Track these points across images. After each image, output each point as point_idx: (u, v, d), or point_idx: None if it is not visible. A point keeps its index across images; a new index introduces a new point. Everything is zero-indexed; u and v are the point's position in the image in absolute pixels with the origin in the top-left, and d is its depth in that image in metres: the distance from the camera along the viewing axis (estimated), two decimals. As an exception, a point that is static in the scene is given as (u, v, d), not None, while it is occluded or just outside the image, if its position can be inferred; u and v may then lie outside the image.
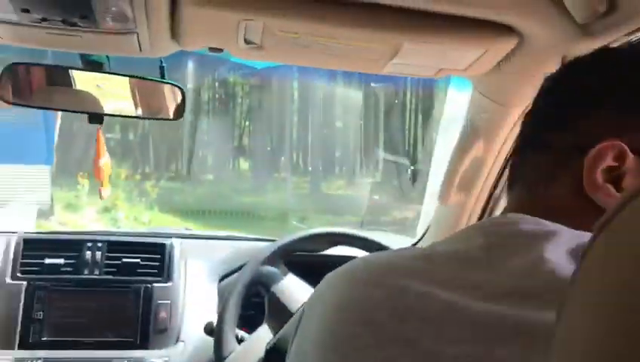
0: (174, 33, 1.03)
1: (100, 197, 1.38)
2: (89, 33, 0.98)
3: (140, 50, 1.07)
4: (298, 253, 1.48)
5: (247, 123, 17.51)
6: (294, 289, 1.41)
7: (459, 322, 0.47)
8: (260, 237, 1.85)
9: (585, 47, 0.88)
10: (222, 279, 1.62)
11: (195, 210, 11.86)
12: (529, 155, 0.63)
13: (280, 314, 1.36)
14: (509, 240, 0.53)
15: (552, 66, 1.04)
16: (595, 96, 0.59)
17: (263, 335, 1.35)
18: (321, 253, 1.56)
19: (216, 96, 17.27)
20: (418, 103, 16.56)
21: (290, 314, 1.35)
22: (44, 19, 0.93)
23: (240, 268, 1.59)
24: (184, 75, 12.82)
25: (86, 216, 11.25)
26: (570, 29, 0.89)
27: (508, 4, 0.90)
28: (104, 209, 11.91)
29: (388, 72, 1.13)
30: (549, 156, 0.60)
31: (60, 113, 11.16)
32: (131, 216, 11.40)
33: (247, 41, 1.03)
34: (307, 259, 1.51)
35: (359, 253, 1.57)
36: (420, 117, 16.17)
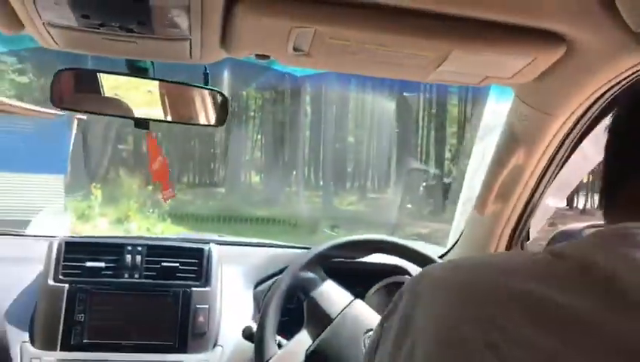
0: (224, 40, 1.04)
1: (164, 199, 1.39)
2: (144, 39, 1.00)
3: (190, 56, 1.09)
4: (336, 259, 1.48)
5: (259, 136, 17.62)
6: (333, 295, 1.41)
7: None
8: (294, 244, 1.85)
9: (639, 56, 0.88)
10: (257, 285, 1.63)
11: (208, 221, 11.91)
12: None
13: (319, 319, 1.36)
14: None
15: (603, 76, 1.05)
16: None
17: (303, 340, 1.35)
18: (359, 260, 1.56)
19: (231, 109, 17.44)
20: (438, 115, 16.62)
21: (330, 320, 1.35)
22: (102, 25, 0.95)
23: (275, 274, 1.60)
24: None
25: (99, 226, 11.33)
26: (623, 37, 0.89)
27: (558, 12, 0.90)
28: (117, 220, 11.99)
29: (432, 80, 1.14)
30: None
31: (75, 124, 11.33)
32: (144, 228, 11.46)
33: (295, 49, 1.04)
34: (345, 266, 1.51)
35: (397, 261, 1.57)
36: (439, 129, 16.22)
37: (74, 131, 11.47)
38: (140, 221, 11.72)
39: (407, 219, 11.78)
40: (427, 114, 16.73)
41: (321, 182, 16.55)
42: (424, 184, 13.79)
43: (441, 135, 16.53)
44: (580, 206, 14.77)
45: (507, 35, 0.96)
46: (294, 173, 16.31)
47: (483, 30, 0.95)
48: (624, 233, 0.54)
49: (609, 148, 0.68)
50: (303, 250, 1.66)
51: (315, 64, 1.15)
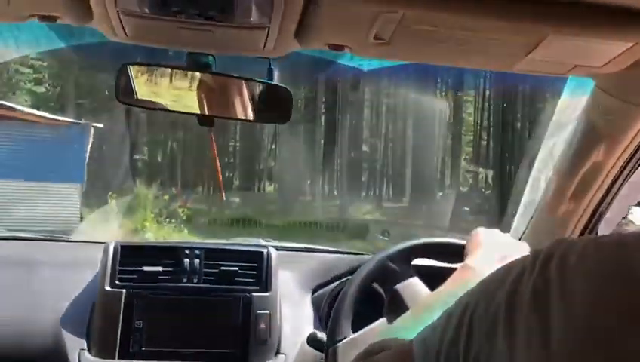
0: (299, 30, 1.00)
1: (222, 197, 1.35)
2: (221, 28, 0.96)
3: (264, 47, 1.05)
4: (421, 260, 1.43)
5: (273, 146, 17.64)
6: (419, 292, 1.36)
7: None
8: (349, 251, 1.80)
9: None
10: (314, 291, 1.58)
11: (227, 228, 11.88)
12: None
13: (401, 313, 1.31)
14: None
15: None
16: None
17: (382, 329, 1.30)
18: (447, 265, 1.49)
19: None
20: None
21: None
22: (180, 12, 0.91)
23: (335, 279, 1.54)
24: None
25: (114, 236, 11.35)
26: None
27: None
28: (133, 230, 12.01)
29: (518, 70, 1.08)
30: None
31: (91, 132, 11.41)
32: (160, 237, 11.47)
33: (376, 37, 0.99)
34: (431, 268, 1.46)
35: None
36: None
37: (90, 140, 11.53)
38: (156, 231, 11.73)
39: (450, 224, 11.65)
40: (444, 122, 16.68)
41: (336, 191, 16.52)
42: (465, 190, 13.69)
43: (475, 141, 16.44)
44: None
45: (607, 18, 0.91)
46: (309, 181, 16.29)
47: (581, 13, 0.90)
48: None
49: None
50: (358, 256, 1.60)
51: (394, 54, 1.10)
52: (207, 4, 0.89)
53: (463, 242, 1.45)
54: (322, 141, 16.54)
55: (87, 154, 11.66)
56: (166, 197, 13.68)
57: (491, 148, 16.17)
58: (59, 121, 10.98)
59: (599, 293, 0.47)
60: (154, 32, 1.00)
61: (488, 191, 13.51)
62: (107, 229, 11.40)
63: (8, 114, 10.26)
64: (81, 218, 11.15)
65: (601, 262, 0.49)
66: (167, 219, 12.26)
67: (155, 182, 14.38)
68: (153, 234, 11.44)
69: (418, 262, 1.42)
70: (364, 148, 16.72)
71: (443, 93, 14.53)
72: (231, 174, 17.31)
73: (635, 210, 1.45)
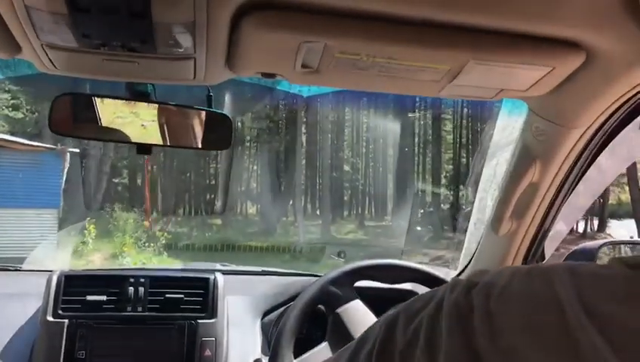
0: (229, 59, 1.01)
1: (149, 227, 1.35)
2: (146, 59, 0.96)
3: (194, 77, 1.05)
4: (363, 282, 1.44)
5: (254, 167, 17.61)
6: (361, 315, 1.36)
7: None
8: (301, 272, 1.79)
9: None
10: (264, 315, 1.57)
11: (206, 252, 11.81)
12: None
13: (343, 337, 1.31)
14: None
15: (624, 84, 1.01)
16: None
17: (323, 353, 1.29)
18: (389, 286, 1.49)
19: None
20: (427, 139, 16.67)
21: (351, 339, 1.30)
22: (103, 45, 0.91)
23: (284, 303, 1.54)
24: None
25: (93, 262, 11.20)
26: None
27: (577, 19, 0.87)
28: (112, 255, 11.88)
29: (446, 95, 1.10)
30: None
31: (67, 157, 11.31)
32: (139, 262, 11.35)
33: (304, 65, 1.01)
34: (374, 290, 1.46)
35: (412, 286, 1.53)
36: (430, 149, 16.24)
37: (66, 165, 11.44)
38: (135, 255, 11.62)
39: (407, 246, 11.73)
40: (423, 140, 16.83)
41: (318, 211, 16.50)
42: (422, 211, 13.78)
43: (436, 162, 16.62)
44: (580, 229, 14.76)
45: (524, 44, 0.93)
46: (291, 202, 16.26)
47: (499, 40, 0.92)
48: None
49: None
50: (311, 278, 1.60)
51: (324, 81, 1.11)
52: (127, 36, 0.89)
53: (404, 263, 1.46)
54: (303, 162, 16.57)
55: (64, 179, 11.57)
56: (146, 222, 13.59)
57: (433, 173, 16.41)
58: (34, 146, 10.88)
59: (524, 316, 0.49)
60: (81, 64, 1.00)
61: (433, 217, 13.63)
62: (83, 255, 11.28)
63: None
64: (58, 244, 11.02)
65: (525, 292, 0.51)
66: (147, 244, 12.16)
67: (134, 207, 14.29)
68: (132, 259, 11.33)
69: (361, 284, 1.43)
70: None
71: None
72: (212, 196, 17.24)
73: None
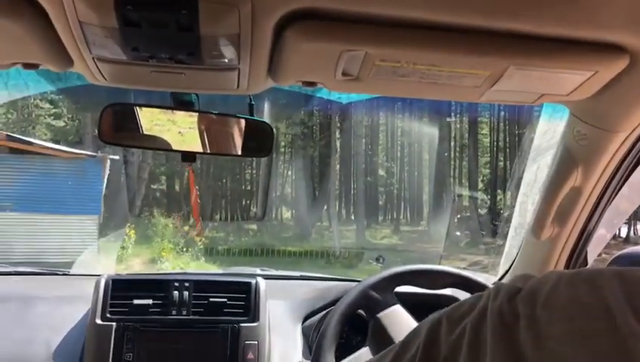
0: (271, 69, 1.03)
1: (198, 234, 1.39)
2: (192, 70, 1.00)
3: (238, 87, 1.08)
4: (405, 288, 1.45)
5: (289, 172, 17.71)
6: (401, 320, 1.37)
7: None
8: (340, 277, 1.81)
9: None
10: (304, 320, 1.59)
11: (242, 256, 11.91)
12: None
13: (384, 342, 1.31)
14: None
15: (668, 87, 1.00)
16: None
17: (364, 357, 1.30)
18: (429, 291, 1.50)
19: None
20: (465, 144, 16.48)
21: (392, 344, 1.30)
22: (151, 57, 0.95)
23: (325, 307, 1.55)
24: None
25: (132, 267, 11.42)
26: None
27: (619, 22, 0.87)
28: (150, 260, 12.09)
29: (487, 100, 1.10)
30: None
31: (107, 164, 11.57)
32: (177, 267, 11.51)
33: (344, 73, 1.02)
34: (414, 295, 1.46)
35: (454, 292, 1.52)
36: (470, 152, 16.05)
37: (106, 172, 11.71)
38: (173, 260, 11.80)
39: (445, 251, 11.62)
40: (459, 144, 16.64)
41: (353, 216, 16.47)
42: (459, 216, 13.63)
43: (473, 166, 16.40)
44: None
45: (566, 49, 0.92)
46: (325, 207, 16.28)
47: (540, 45, 0.92)
48: None
49: None
50: (350, 283, 1.61)
51: (364, 89, 1.13)
52: (175, 49, 0.93)
53: (444, 268, 1.46)
54: (337, 166, 16.58)
55: (104, 186, 11.84)
56: (185, 227, 13.80)
57: (470, 178, 16.14)
58: (75, 153, 11.18)
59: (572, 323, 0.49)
60: (130, 75, 1.04)
61: (470, 222, 13.41)
62: (123, 260, 11.52)
63: (25, 148, 10.49)
64: (99, 249, 11.28)
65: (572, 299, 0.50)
66: (185, 249, 12.34)
67: (172, 212, 14.53)
68: (170, 264, 11.51)
69: (401, 289, 1.43)
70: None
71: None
72: (248, 201, 17.40)
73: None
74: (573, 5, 0.82)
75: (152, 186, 15.99)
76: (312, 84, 1.10)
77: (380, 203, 17.37)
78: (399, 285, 1.43)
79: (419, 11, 0.85)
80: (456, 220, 13.45)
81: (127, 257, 11.85)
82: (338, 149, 16.52)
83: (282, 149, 17.14)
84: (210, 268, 11.09)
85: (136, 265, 11.58)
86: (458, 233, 12.30)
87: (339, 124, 16.13)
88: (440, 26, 0.88)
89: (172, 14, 0.81)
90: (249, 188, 17.37)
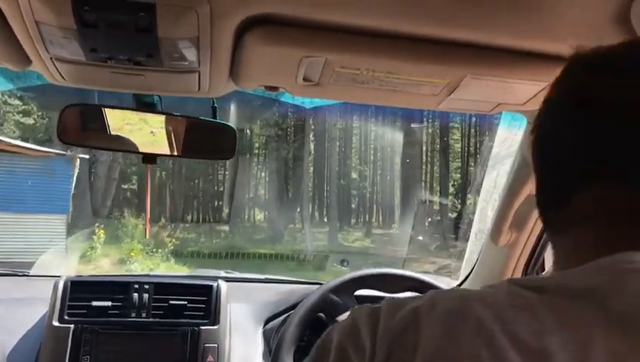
0: (233, 72, 1.03)
1: (145, 235, 1.38)
2: (152, 72, 0.99)
3: (199, 89, 1.08)
4: (369, 291, 1.47)
5: (263, 173, 17.64)
6: None
7: None
8: (305, 280, 1.81)
9: None
10: (266, 323, 1.59)
11: (212, 258, 11.84)
12: None
13: None
14: None
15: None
16: None
17: None
18: (389, 295, 1.51)
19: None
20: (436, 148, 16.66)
21: None
22: (110, 58, 0.94)
23: (286, 310, 1.56)
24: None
25: (101, 267, 11.25)
26: None
27: (570, 35, 0.89)
28: (120, 260, 11.92)
29: (444, 108, 1.12)
30: None
31: (77, 163, 11.38)
32: (147, 268, 11.39)
33: (305, 79, 1.03)
34: (374, 299, 1.47)
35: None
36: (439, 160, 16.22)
37: (76, 171, 11.53)
38: (143, 261, 11.67)
39: (414, 255, 11.72)
40: (430, 150, 16.81)
41: (326, 219, 16.50)
42: (429, 219, 13.75)
43: (443, 170, 16.58)
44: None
45: (520, 60, 0.95)
46: (298, 209, 16.27)
47: (496, 56, 0.94)
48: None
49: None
50: (313, 286, 1.62)
51: (325, 94, 1.14)
52: (133, 51, 0.92)
53: (403, 272, 1.48)
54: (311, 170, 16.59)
55: (73, 185, 11.65)
56: (154, 228, 13.65)
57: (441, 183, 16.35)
58: (44, 152, 10.97)
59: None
60: (89, 76, 1.03)
61: (440, 225, 13.59)
62: (91, 260, 11.34)
63: (-7, 146, 10.27)
64: (67, 249, 11.09)
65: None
66: (155, 249, 12.20)
67: (144, 212, 14.35)
68: (140, 265, 11.38)
69: (361, 292, 1.44)
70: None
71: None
72: (220, 203, 17.27)
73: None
74: (524, 18, 0.85)
75: (122, 186, 15.77)
76: (274, 88, 1.11)
77: (353, 206, 17.44)
78: (359, 288, 1.44)
79: (377, 20, 0.87)
80: (427, 223, 13.57)
81: (95, 257, 11.67)
82: (312, 152, 16.53)
83: (256, 151, 17.10)
84: (179, 269, 11.00)
85: (105, 266, 11.42)
86: (426, 237, 12.42)
87: (313, 127, 16.15)
88: (398, 35, 0.90)
89: (130, 16, 0.81)
90: (221, 189, 17.25)
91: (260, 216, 17.37)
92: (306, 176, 16.42)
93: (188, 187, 16.74)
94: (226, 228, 15.87)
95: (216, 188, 17.44)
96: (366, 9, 0.84)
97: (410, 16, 0.85)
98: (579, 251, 0.53)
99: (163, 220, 15.53)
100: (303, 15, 0.86)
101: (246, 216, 16.92)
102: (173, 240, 12.98)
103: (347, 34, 0.90)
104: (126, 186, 16.08)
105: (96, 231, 12.10)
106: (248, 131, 16.18)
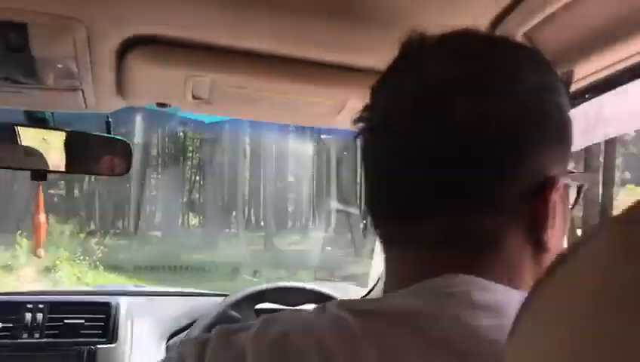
0: (120, 90, 1.02)
1: (36, 255, 1.33)
2: (33, 90, 0.97)
3: (86, 106, 1.06)
4: (268, 304, 1.47)
5: (197, 178, 17.34)
6: None
7: None
8: (212, 292, 1.80)
9: None
10: (170, 337, 1.57)
11: (142, 268, 11.53)
12: None
13: None
14: None
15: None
16: None
17: None
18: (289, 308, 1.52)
19: (166, 151, 17.11)
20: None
21: None
22: (-14, 76, 0.91)
23: (189, 326, 1.54)
24: (131, 130, 12.70)
25: (24, 277, 10.74)
26: None
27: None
28: (45, 269, 11.42)
29: (339, 126, 1.15)
30: None
31: (-1, 170, 10.85)
32: (73, 276, 10.96)
33: (195, 97, 1.03)
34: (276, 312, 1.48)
35: None
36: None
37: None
38: (69, 269, 11.23)
39: (347, 258, 11.84)
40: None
41: (262, 223, 16.41)
42: (364, 222, 13.90)
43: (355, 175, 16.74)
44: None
45: None
46: (234, 214, 16.12)
47: (376, 78, 0.97)
48: None
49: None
50: (219, 298, 1.61)
51: (216, 111, 1.14)
52: (11, 70, 0.90)
53: (301, 285, 1.50)
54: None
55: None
56: (82, 235, 13.17)
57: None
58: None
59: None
60: None
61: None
62: (13, 270, 10.82)
63: None
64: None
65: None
66: (82, 257, 11.77)
67: (70, 219, 13.82)
68: (66, 273, 10.95)
69: (263, 306, 1.46)
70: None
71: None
72: (153, 208, 16.85)
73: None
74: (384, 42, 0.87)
75: (49, 191, 15.12)
76: (164, 105, 1.10)
77: (290, 209, 17.41)
78: (259, 303, 1.45)
79: (256, 42, 0.88)
80: (339, 234, 13.76)
81: (18, 266, 11.14)
82: (247, 155, 16.40)
83: (190, 154, 16.81)
84: (108, 277, 10.67)
85: (29, 275, 10.92)
86: (338, 247, 12.64)
87: (249, 129, 16.02)
88: (277, 56, 0.91)
89: (0, 36, 0.79)
90: (154, 193, 16.85)
91: (194, 221, 17.08)
92: (241, 180, 16.28)
93: (118, 192, 16.24)
94: (158, 233, 15.52)
95: (149, 191, 17.01)
96: (243, 31, 0.85)
97: (283, 38, 0.87)
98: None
99: (92, 226, 15.02)
100: (184, 36, 0.87)
101: (179, 222, 16.59)
102: (102, 247, 12.56)
103: (230, 54, 0.91)
104: (53, 191, 15.43)
105: (19, 239, 11.55)
106: (181, 134, 15.90)
